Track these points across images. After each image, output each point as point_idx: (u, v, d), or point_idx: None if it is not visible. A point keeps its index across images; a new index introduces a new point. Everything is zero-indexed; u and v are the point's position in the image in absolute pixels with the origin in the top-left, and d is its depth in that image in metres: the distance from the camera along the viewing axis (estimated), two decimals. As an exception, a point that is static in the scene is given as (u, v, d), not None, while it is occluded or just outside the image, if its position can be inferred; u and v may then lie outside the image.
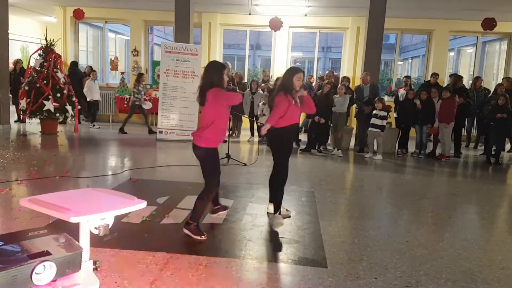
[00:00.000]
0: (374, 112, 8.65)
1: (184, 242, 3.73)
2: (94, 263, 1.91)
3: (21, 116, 10.44)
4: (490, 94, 10.01)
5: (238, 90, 9.84)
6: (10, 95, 11.03)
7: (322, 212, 4.76)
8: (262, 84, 10.68)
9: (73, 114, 9.85)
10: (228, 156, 7.28)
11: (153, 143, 9.44)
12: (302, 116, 9.90)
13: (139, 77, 10.73)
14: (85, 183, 5.54)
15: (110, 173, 6.31)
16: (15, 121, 11.27)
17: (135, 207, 1.98)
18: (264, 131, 4.41)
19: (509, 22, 11.81)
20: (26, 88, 9.41)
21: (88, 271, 1.87)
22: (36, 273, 1.59)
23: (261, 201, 5.08)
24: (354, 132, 10.13)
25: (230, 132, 10.21)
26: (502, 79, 10.48)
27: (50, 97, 9.30)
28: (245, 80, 12.77)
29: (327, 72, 11.08)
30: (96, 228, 1.85)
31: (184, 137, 9.67)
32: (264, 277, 3.15)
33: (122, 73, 13.26)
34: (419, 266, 3.44)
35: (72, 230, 1.92)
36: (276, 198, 4.51)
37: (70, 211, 1.75)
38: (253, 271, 3.25)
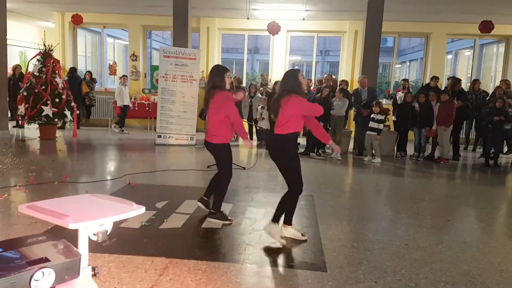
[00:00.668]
0: (372, 115, 8.67)
1: (183, 247, 3.73)
2: (93, 269, 1.90)
3: (20, 122, 10.44)
4: (488, 97, 10.04)
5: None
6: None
7: (321, 216, 4.76)
8: (261, 88, 10.70)
9: (72, 119, 9.85)
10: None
11: (152, 147, 9.44)
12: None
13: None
14: (84, 188, 5.53)
15: (109, 178, 6.31)
16: (14, 127, 11.27)
17: (134, 212, 1.98)
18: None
19: (506, 25, 11.86)
20: (25, 93, 9.41)
21: (87, 277, 1.87)
22: (34, 279, 1.59)
23: (260, 205, 5.08)
24: (352, 135, 10.15)
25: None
26: (500, 81, 10.51)
27: (48, 102, 9.30)
28: (244, 84, 12.79)
29: (325, 75, 11.11)
30: (94, 234, 1.84)
31: (182, 141, 9.68)
32: (264, 282, 3.14)
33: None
34: (418, 269, 3.44)
35: (71, 236, 1.92)
36: (287, 210, 4.01)
37: (68, 217, 1.74)
38: (253, 275, 3.24)
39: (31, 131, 10.40)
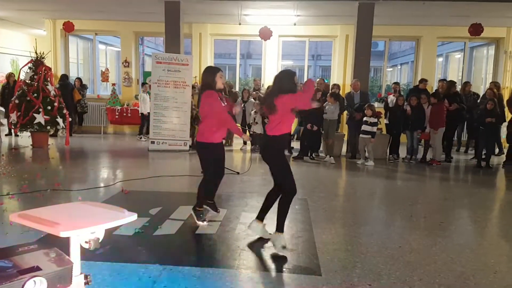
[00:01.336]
0: (365, 118, 8.72)
1: (177, 253, 3.72)
2: (86, 277, 1.89)
3: (12, 130, 10.38)
4: (480, 99, 10.12)
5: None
6: (3, 109, 10.97)
7: (316, 220, 4.76)
8: (253, 93, 10.71)
9: (64, 127, 9.81)
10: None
11: (145, 153, 9.41)
12: (294, 124, 9.92)
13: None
14: (77, 196, 5.50)
15: (102, 185, 6.28)
16: (6, 135, 11.19)
17: (126, 220, 1.97)
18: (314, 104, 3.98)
19: (496, 27, 11.99)
20: (17, 101, 9.36)
21: (80, 286, 1.86)
22: (26, 288, 1.58)
23: (255, 210, 5.05)
24: (345, 138, 10.18)
25: (224, 141, 10.20)
26: (490, 83, 10.61)
27: (40, 110, 9.25)
28: (237, 89, 12.81)
29: (318, 79, 11.16)
30: (86, 242, 1.84)
31: (176, 147, 9.66)
32: (259, 287, 3.14)
33: (113, 84, 13.25)
34: (412, 271, 3.45)
35: (63, 244, 1.91)
36: (280, 215, 3.90)
37: (59, 226, 1.74)
38: (247, 281, 3.23)
39: (23, 139, 10.33)
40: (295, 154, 9.40)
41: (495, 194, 6.97)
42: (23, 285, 1.57)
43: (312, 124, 8.78)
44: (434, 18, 11.26)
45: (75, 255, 1.84)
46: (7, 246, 1.85)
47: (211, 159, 4.44)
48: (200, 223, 4.41)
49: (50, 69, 10.06)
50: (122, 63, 13.39)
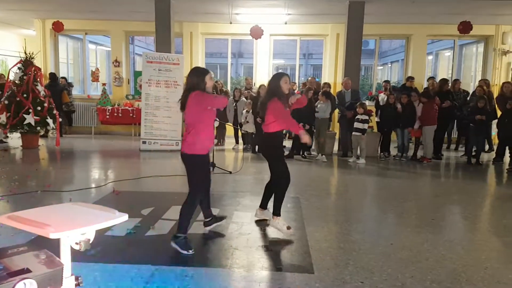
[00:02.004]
0: (356, 116, 8.75)
1: (170, 253, 3.70)
2: (76, 278, 1.88)
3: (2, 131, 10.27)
4: (469, 96, 10.20)
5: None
6: None
7: (308, 218, 4.78)
8: (245, 92, 10.70)
9: (54, 127, 9.73)
10: (213, 164, 7.27)
11: (136, 153, 9.37)
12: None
13: None
14: (67, 197, 5.46)
15: (93, 186, 6.24)
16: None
17: (116, 220, 1.96)
18: (305, 139, 4.13)
19: (485, 25, 12.09)
20: (6, 102, 9.27)
21: (70, 287, 1.84)
22: (16, 291, 1.56)
23: (247, 209, 5.07)
24: (337, 137, 10.21)
25: (216, 141, 10.20)
26: (479, 81, 10.71)
27: (30, 110, 9.17)
28: (228, 88, 12.79)
29: (309, 78, 11.17)
30: (77, 243, 1.82)
31: (168, 146, 9.63)
32: (251, 286, 3.14)
33: (104, 84, 13.16)
34: (404, 268, 3.47)
35: (53, 246, 1.90)
36: (276, 200, 4.33)
37: (49, 227, 1.72)
38: (240, 280, 3.23)
39: (13, 140, 10.24)
40: (286, 152, 9.40)
41: (485, 190, 7.03)
42: (13, 287, 1.55)
43: (303, 123, 8.79)
44: (423, 16, 11.33)
45: (65, 257, 1.83)
46: (-4, 249, 1.83)
47: (205, 171, 4.01)
48: (186, 252, 3.68)
49: (39, 69, 9.98)
50: (113, 63, 13.30)
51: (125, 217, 1.99)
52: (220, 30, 12.93)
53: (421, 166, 8.65)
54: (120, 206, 2.13)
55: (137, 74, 12.68)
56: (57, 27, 11.66)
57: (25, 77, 9.42)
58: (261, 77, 12.73)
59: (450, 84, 10.28)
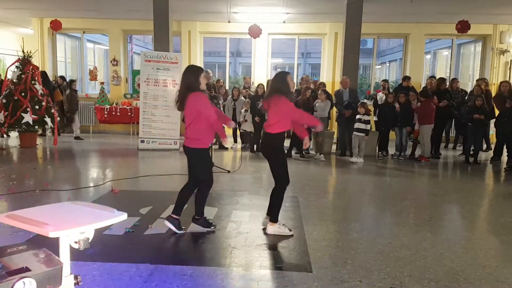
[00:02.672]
0: (358, 116, 8.73)
1: (168, 252, 3.71)
2: (76, 277, 1.88)
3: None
4: (467, 95, 10.22)
5: (219, 97, 9.83)
6: None
7: (306, 217, 4.78)
8: (243, 90, 10.68)
9: (53, 126, 9.72)
10: (211, 164, 7.26)
11: (135, 152, 9.36)
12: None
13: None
14: (66, 196, 5.46)
15: (91, 185, 6.23)
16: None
17: (115, 219, 1.96)
18: (307, 143, 4.40)
19: (483, 24, 12.11)
20: (4, 101, 9.25)
21: (70, 286, 1.85)
22: (15, 290, 1.56)
23: (245, 208, 5.08)
24: (335, 136, 10.22)
25: (214, 140, 10.19)
26: (477, 80, 10.73)
27: (28, 109, 9.16)
28: (227, 87, 12.76)
29: (304, 76, 11.15)
30: (76, 242, 1.82)
31: (166, 145, 9.63)
32: (250, 285, 3.14)
33: (102, 83, 13.14)
34: (402, 267, 3.47)
35: (53, 245, 1.90)
36: (274, 206, 4.25)
37: (48, 226, 1.72)
38: (239, 278, 3.24)
39: (11, 139, 10.22)
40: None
41: (483, 189, 7.05)
42: (12, 286, 1.55)
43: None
44: (422, 16, 11.35)
45: (64, 256, 1.83)
46: (-5, 247, 1.83)
47: (206, 163, 4.23)
48: (209, 229, 4.22)
49: (37, 68, 9.96)
50: (111, 62, 13.28)
51: (124, 216, 1.99)
52: (218, 29, 12.92)
53: (419, 165, 8.66)
54: (118, 205, 2.13)
55: (135, 73, 12.67)
56: (55, 26, 11.62)
57: (23, 76, 9.40)
58: (260, 76, 12.73)
59: (448, 83, 10.30)
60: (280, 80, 4.17)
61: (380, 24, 12.32)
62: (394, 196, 6.03)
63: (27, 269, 1.63)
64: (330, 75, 12.72)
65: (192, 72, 4.03)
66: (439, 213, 5.26)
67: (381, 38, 14.53)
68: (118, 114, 12.19)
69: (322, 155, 8.93)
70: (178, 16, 11.54)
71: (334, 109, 9.94)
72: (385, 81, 10.89)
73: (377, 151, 9.58)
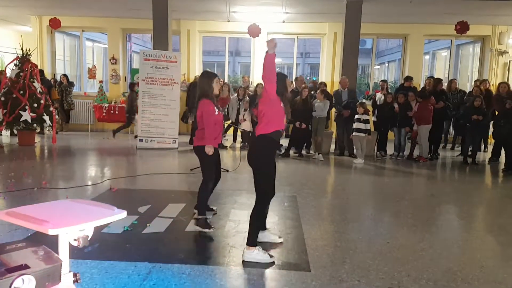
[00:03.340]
0: (357, 116, 8.73)
1: (167, 251, 3.70)
2: (75, 275, 1.88)
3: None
4: (466, 96, 10.24)
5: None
6: None
7: (305, 216, 4.79)
8: (240, 89, 10.59)
9: (51, 124, 9.70)
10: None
11: (133, 151, 9.35)
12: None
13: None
14: (64, 194, 5.45)
15: (89, 183, 6.22)
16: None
17: (115, 217, 1.96)
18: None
19: (482, 25, 12.14)
20: (2, 98, 9.24)
21: (69, 284, 1.84)
22: (14, 287, 1.56)
23: (244, 207, 5.08)
24: (334, 136, 10.23)
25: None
26: (475, 81, 10.74)
27: (27, 107, 9.14)
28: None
29: (298, 76, 11.13)
30: (75, 239, 1.82)
31: (165, 144, 9.62)
32: (248, 284, 3.15)
33: (100, 81, 13.13)
34: (400, 267, 3.48)
35: (52, 242, 1.90)
36: (251, 225, 3.62)
37: (48, 223, 1.72)
38: (237, 277, 3.24)
39: (4, 137, 10.19)
40: (282, 151, 9.42)
41: (481, 190, 7.06)
42: (11, 284, 1.55)
43: (300, 121, 8.82)
44: (421, 16, 11.37)
45: (64, 253, 1.83)
46: (-6, 245, 1.83)
47: (212, 160, 4.36)
48: (207, 230, 4.17)
49: (36, 66, 9.94)
50: (110, 60, 13.27)
51: (123, 213, 1.99)
52: (217, 28, 12.92)
53: (417, 165, 8.67)
54: (117, 204, 2.13)
55: (134, 71, 12.65)
56: (54, 24, 11.60)
57: (21, 74, 9.38)
58: (259, 76, 12.70)
59: (446, 84, 10.31)
60: (280, 82, 3.74)
61: (379, 24, 12.34)
62: (393, 196, 6.04)
63: (26, 266, 1.63)
64: (329, 75, 12.73)
65: (205, 77, 4.35)
66: (437, 214, 5.27)
67: (380, 39, 14.54)
68: (117, 112, 12.17)
69: (320, 154, 8.94)
70: (177, 15, 11.54)
71: (333, 108, 9.94)
72: (384, 81, 10.90)
73: (375, 151, 9.59)
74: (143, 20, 11.79)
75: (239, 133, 10.56)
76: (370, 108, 9.99)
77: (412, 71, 12.41)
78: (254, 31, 10.86)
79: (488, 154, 9.69)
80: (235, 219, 4.64)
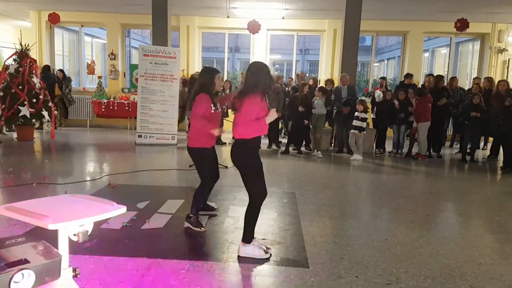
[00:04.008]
0: (356, 114, 8.74)
1: (165, 246, 3.71)
2: (74, 270, 1.89)
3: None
4: (465, 93, 10.23)
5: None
6: None
7: (303, 213, 4.80)
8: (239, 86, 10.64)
9: (50, 120, 9.69)
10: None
11: (132, 147, 9.34)
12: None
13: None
14: (63, 190, 5.44)
15: (88, 179, 6.22)
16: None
17: (115, 212, 1.96)
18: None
19: (481, 23, 12.13)
20: (1, 94, 9.21)
21: (68, 279, 1.85)
22: (14, 281, 1.57)
23: (243, 204, 5.04)
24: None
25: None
26: (474, 78, 10.73)
27: (25, 102, 9.12)
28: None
29: (299, 73, 11.13)
30: (75, 234, 1.82)
31: (164, 140, 9.62)
32: (247, 280, 3.15)
33: (99, 77, 13.10)
34: (399, 263, 3.49)
35: (51, 237, 1.90)
36: (247, 224, 3.53)
37: (48, 218, 1.72)
38: (236, 273, 3.25)
39: (8, 132, 10.18)
40: (282, 148, 9.43)
41: (479, 187, 7.07)
42: (11, 278, 1.55)
43: (301, 118, 8.84)
44: (420, 14, 11.36)
45: (63, 248, 1.83)
46: (-6, 239, 1.83)
47: (208, 163, 4.23)
48: (198, 229, 4.09)
49: (35, 61, 9.92)
50: (108, 56, 13.24)
51: (123, 209, 1.99)
52: (217, 24, 12.90)
53: (416, 162, 8.69)
54: (115, 199, 2.13)
55: (133, 67, 12.62)
56: (53, 19, 11.56)
57: (20, 69, 9.36)
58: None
59: (446, 81, 10.30)
60: (263, 74, 3.43)
61: (379, 21, 12.32)
62: (391, 193, 6.05)
63: (26, 261, 1.64)
64: (329, 72, 12.72)
65: (206, 73, 4.19)
66: (436, 211, 5.28)
67: (380, 36, 14.52)
68: (116, 108, 12.16)
69: (319, 151, 8.94)
70: (176, 10, 11.50)
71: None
72: (383, 78, 10.89)
73: (374, 148, 9.60)
74: (142, 15, 11.75)
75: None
76: (369, 105, 10.00)
77: (411, 68, 12.41)
78: (254, 27, 10.84)
79: (487, 152, 9.70)
80: (234, 215, 4.64)
